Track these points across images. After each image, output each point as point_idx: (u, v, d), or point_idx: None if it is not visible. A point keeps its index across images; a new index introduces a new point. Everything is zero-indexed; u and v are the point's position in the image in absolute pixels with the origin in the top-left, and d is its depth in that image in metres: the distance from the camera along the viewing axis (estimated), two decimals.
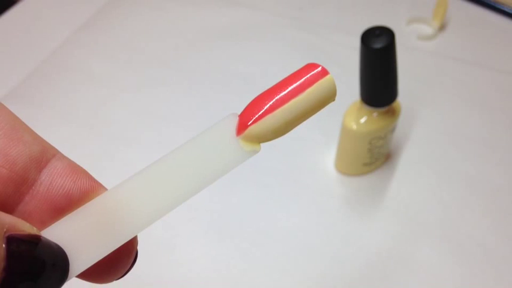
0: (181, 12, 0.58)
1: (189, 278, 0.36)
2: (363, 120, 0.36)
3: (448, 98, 0.47)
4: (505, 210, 0.39)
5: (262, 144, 0.14)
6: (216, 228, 0.38)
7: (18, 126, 0.13)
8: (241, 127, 0.14)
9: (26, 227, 0.11)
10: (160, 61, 0.52)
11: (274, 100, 0.14)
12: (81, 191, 0.13)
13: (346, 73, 0.42)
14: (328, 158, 0.42)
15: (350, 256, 0.36)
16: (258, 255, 0.37)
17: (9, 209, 0.13)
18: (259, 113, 0.14)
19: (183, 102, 0.48)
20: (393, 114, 0.36)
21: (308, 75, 0.14)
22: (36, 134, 0.13)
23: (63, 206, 0.13)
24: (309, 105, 0.14)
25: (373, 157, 0.39)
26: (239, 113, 0.14)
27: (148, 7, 0.59)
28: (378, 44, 0.30)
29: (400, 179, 0.41)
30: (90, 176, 0.14)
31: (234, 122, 0.14)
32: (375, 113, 0.35)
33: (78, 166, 0.14)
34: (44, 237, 0.12)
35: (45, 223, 0.13)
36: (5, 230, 0.10)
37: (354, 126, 0.36)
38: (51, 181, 0.13)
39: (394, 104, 0.36)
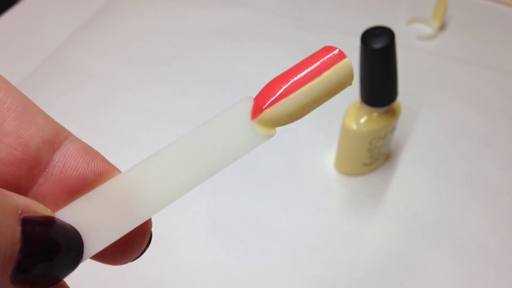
0: (181, 12, 0.58)
1: (189, 278, 0.36)
2: (363, 120, 0.36)
3: (448, 98, 0.47)
4: (505, 210, 0.39)
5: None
6: (216, 228, 0.38)
7: (30, 108, 0.13)
8: (256, 110, 0.14)
9: (40, 209, 0.11)
10: (160, 61, 0.52)
11: (290, 83, 0.13)
12: (95, 173, 0.13)
13: None
14: (328, 158, 0.42)
15: (350, 256, 0.36)
16: (258, 255, 0.37)
17: (23, 191, 0.13)
18: (275, 97, 0.13)
19: (183, 102, 0.48)
20: (393, 114, 0.36)
21: (325, 58, 0.13)
22: (49, 116, 0.13)
23: (76, 187, 0.13)
24: (325, 89, 0.13)
25: (373, 157, 0.39)
26: (254, 96, 0.14)
27: (149, 7, 0.59)
28: (378, 44, 0.30)
29: (400, 179, 0.41)
30: (104, 158, 0.14)
31: (249, 105, 0.14)
32: (375, 113, 0.35)
33: (92, 148, 0.14)
34: (58, 219, 0.12)
35: (59, 205, 0.13)
36: (19, 211, 0.10)
37: (354, 126, 0.36)
38: (65, 163, 0.13)
39: (394, 104, 0.36)
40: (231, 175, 0.41)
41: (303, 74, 0.13)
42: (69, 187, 0.13)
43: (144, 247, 0.15)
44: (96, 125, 0.46)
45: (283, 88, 0.13)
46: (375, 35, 0.30)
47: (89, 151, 0.14)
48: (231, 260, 0.36)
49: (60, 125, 0.13)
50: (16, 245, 0.10)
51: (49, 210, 0.12)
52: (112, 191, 0.13)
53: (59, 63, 0.52)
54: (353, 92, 0.38)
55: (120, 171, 0.14)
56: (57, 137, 0.13)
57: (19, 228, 0.10)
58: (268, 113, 0.14)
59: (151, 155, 0.14)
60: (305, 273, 0.36)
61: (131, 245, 0.14)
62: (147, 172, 0.13)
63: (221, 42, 0.54)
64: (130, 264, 0.15)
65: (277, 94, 0.13)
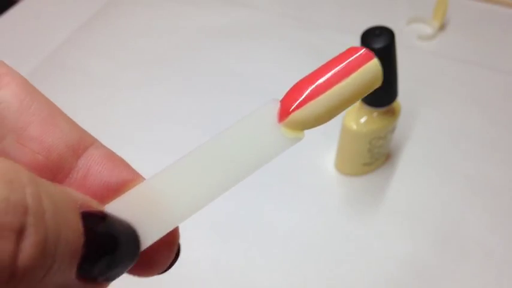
0: (181, 12, 0.58)
1: (189, 278, 0.36)
2: (363, 120, 0.36)
3: (448, 98, 0.47)
4: (505, 210, 0.39)
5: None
6: (216, 228, 0.38)
7: (55, 114, 0.13)
8: (283, 113, 0.13)
9: (94, 204, 0.11)
10: (160, 61, 0.52)
11: (316, 85, 0.13)
12: (119, 180, 0.13)
13: None
14: (328, 158, 0.42)
15: (350, 256, 0.36)
16: (258, 255, 0.37)
17: None
18: (301, 98, 0.13)
19: (183, 102, 0.48)
20: (393, 114, 0.36)
21: (351, 59, 0.13)
22: (74, 122, 0.13)
23: (100, 194, 0.13)
24: (354, 91, 0.13)
25: (373, 157, 0.39)
26: (280, 99, 0.14)
27: (148, 7, 0.59)
28: (378, 44, 0.30)
29: (400, 179, 0.41)
30: (129, 165, 0.14)
31: (276, 108, 0.13)
32: (375, 113, 0.35)
33: (116, 155, 0.14)
34: (111, 214, 0.11)
35: None
36: (78, 206, 0.10)
37: (354, 126, 0.36)
38: (88, 169, 0.13)
39: (394, 104, 0.36)
40: None
41: (329, 75, 0.13)
42: (92, 193, 0.13)
43: (172, 259, 0.15)
44: (96, 125, 0.46)
45: (310, 89, 0.13)
46: (375, 35, 0.30)
47: (113, 158, 0.13)
48: (231, 259, 0.36)
49: (86, 131, 0.13)
50: (80, 239, 0.10)
51: (100, 205, 0.11)
52: (137, 198, 0.13)
53: (59, 63, 0.52)
54: None
55: (144, 179, 0.14)
56: (82, 142, 0.13)
57: (81, 222, 0.10)
58: (296, 115, 0.13)
59: (176, 161, 0.13)
60: (305, 273, 0.36)
61: (158, 256, 0.14)
62: (172, 179, 0.13)
63: (221, 42, 0.54)
64: None
65: (304, 96, 0.13)
